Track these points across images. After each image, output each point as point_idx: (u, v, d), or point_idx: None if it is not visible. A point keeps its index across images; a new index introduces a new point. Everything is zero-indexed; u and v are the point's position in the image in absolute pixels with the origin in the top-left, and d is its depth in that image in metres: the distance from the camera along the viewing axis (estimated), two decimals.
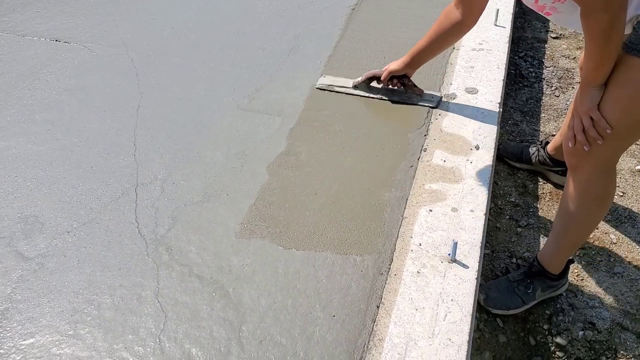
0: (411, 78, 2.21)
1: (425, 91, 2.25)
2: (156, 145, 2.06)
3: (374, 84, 2.28)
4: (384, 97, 2.25)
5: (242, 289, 1.55)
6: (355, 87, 2.30)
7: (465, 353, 1.37)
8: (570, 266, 2.01)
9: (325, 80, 2.37)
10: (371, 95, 2.27)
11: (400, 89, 2.25)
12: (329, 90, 2.31)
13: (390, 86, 2.25)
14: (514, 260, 2.09)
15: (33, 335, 1.45)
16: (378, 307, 1.49)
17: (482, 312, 1.91)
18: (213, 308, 1.50)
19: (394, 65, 2.17)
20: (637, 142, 2.63)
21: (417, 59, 2.12)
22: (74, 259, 1.64)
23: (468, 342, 1.40)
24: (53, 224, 1.75)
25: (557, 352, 1.90)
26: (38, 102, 2.28)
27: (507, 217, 2.26)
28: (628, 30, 1.45)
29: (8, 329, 1.46)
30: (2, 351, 1.41)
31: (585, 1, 1.35)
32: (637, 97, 1.44)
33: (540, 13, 1.66)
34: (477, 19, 1.95)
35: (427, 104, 2.20)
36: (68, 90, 2.35)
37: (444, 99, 2.23)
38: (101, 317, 1.49)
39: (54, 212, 1.79)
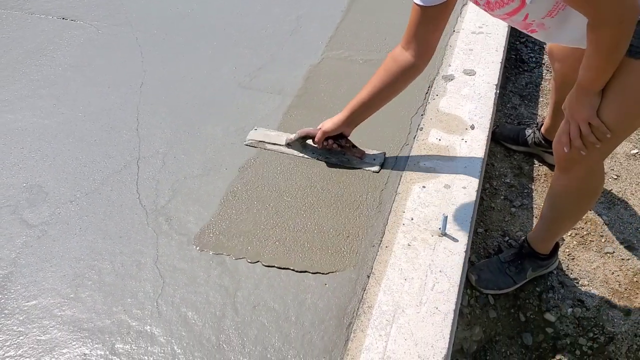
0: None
1: (368, 151, 1.95)
2: (158, 120, 2.11)
3: (311, 142, 1.97)
4: (320, 158, 1.95)
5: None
6: (288, 145, 1.98)
7: (451, 321, 1.42)
8: (561, 245, 2.05)
9: (256, 135, 2.04)
10: (305, 155, 1.96)
11: (337, 150, 1.93)
12: (260, 148, 2.00)
13: (326, 147, 1.93)
14: (507, 239, 2.13)
15: (36, 297, 1.51)
16: (368, 276, 1.54)
17: (473, 288, 1.96)
18: (210, 275, 1.56)
19: (329, 124, 1.87)
20: None
21: (355, 116, 1.84)
22: (77, 227, 1.70)
23: (454, 311, 1.45)
24: (57, 194, 1.81)
25: (546, 328, 1.94)
26: (44, 78, 2.34)
27: (502, 197, 2.30)
28: None
29: (12, 291, 1.52)
30: (6, 311, 1.47)
31: (598, 14, 1.27)
32: (638, 101, 1.41)
33: (524, 32, 1.59)
34: (429, 60, 1.75)
35: (369, 168, 1.90)
36: (74, 67, 2.40)
37: (441, 80, 2.26)
38: (101, 281, 1.55)
39: (57, 182, 1.85)
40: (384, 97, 1.82)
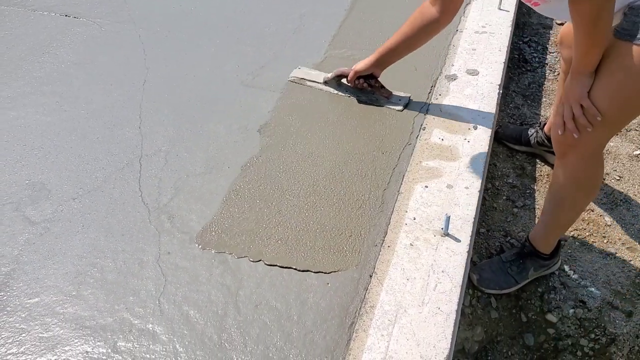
0: (409, 59, 2.17)
1: (395, 93, 2.18)
2: (161, 118, 2.11)
3: (345, 81, 2.22)
4: (352, 96, 2.19)
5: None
6: (325, 83, 2.23)
7: (454, 321, 1.42)
8: (563, 245, 2.05)
9: (298, 73, 2.32)
10: (339, 92, 2.21)
11: (367, 89, 2.17)
12: (301, 84, 2.27)
13: (357, 86, 2.18)
14: (509, 239, 2.13)
15: (38, 294, 1.51)
16: (371, 276, 1.54)
17: (475, 288, 1.96)
18: (212, 273, 1.55)
19: (361, 65, 2.10)
20: (637, 129, 2.65)
21: (384, 59, 2.06)
22: (79, 224, 1.70)
23: (456, 311, 1.45)
24: (59, 191, 1.81)
25: (547, 329, 1.94)
26: (47, 75, 2.33)
27: (504, 197, 2.30)
28: (617, 20, 1.44)
29: (15, 288, 1.52)
30: (9, 309, 1.47)
31: None
32: (628, 84, 1.44)
33: (528, 4, 1.64)
34: (453, 18, 1.92)
35: (394, 107, 2.13)
36: (76, 64, 2.40)
37: (444, 80, 2.26)
38: (104, 279, 1.55)
39: (60, 179, 1.85)
40: (408, 46, 2.02)
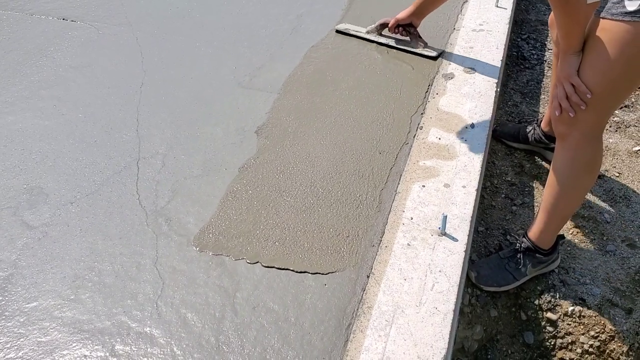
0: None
1: (430, 45, 2.44)
2: (158, 121, 2.11)
3: (385, 32, 2.51)
4: (391, 44, 2.48)
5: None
6: (368, 32, 2.53)
7: (451, 321, 1.42)
8: (562, 243, 2.04)
9: (343, 26, 2.62)
10: (380, 40, 2.50)
11: (406, 37, 2.44)
12: (345, 33, 2.57)
13: (397, 34, 2.45)
14: (508, 237, 2.12)
15: (36, 299, 1.51)
16: (368, 276, 1.54)
17: (475, 287, 1.96)
18: (209, 276, 1.56)
19: (402, 14, 2.38)
20: (636, 124, 2.65)
21: (422, 8, 2.32)
22: (77, 228, 1.70)
23: (454, 311, 1.45)
24: (57, 195, 1.81)
25: (547, 327, 1.94)
26: (45, 79, 2.34)
27: (503, 195, 2.29)
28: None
29: (13, 292, 1.53)
30: (7, 313, 1.48)
31: None
32: (610, 58, 1.48)
33: None
34: None
35: (429, 53, 2.39)
36: (74, 68, 2.40)
37: (441, 79, 2.26)
38: (101, 283, 1.55)
39: (58, 183, 1.85)
40: None
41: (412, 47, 2.44)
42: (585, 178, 1.73)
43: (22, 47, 2.54)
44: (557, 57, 2.14)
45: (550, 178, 1.77)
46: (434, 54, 2.40)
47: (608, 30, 1.46)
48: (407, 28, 2.41)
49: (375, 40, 2.51)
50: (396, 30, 2.44)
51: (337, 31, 2.59)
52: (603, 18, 1.46)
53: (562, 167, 1.71)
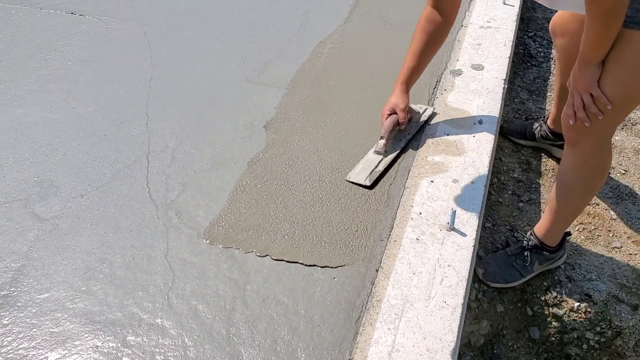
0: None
1: (412, 106, 2.03)
2: (167, 115, 2.12)
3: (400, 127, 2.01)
4: (407, 145, 2.00)
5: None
6: (385, 151, 1.94)
7: (460, 315, 1.43)
8: (569, 239, 2.05)
9: (357, 177, 1.87)
10: (400, 151, 1.97)
11: (400, 128, 1.99)
12: (373, 177, 1.87)
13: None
14: (515, 233, 2.13)
15: (48, 290, 1.52)
16: (377, 270, 1.54)
17: (481, 282, 1.97)
18: (219, 268, 1.57)
19: (400, 99, 1.95)
20: None
21: (411, 81, 1.97)
22: (88, 220, 1.72)
23: (463, 305, 1.46)
24: (67, 188, 1.83)
25: (553, 322, 1.95)
26: (54, 73, 2.35)
27: (510, 192, 2.30)
28: None
29: (25, 284, 1.54)
30: (19, 304, 1.49)
31: None
32: (636, 71, 1.45)
33: None
34: (458, 11, 1.90)
35: (424, 118, 2.06)
36: (83, 62, 2.42)
37: (449, 75, 2.26)
38: (113, 274, 1.56)
39: (68, 176, 1.87)
40: (428, 56, 1.95)
41: (413, 130, 2.02)
42: (595, 181, 1.73)
43: (31, 40, 2.55)
44: (561, 62, 2.14)
45: (559, 180, 1.77)
46: (428, 111, 2.07)
47: (633, 41, 1.41)
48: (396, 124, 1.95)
49: (396, 154, 1.96)
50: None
51: (353, 182, 1.86)
52: (630, 28, 1.41)
53: (571, 171, 1.70)
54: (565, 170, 1.73)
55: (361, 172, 1.88)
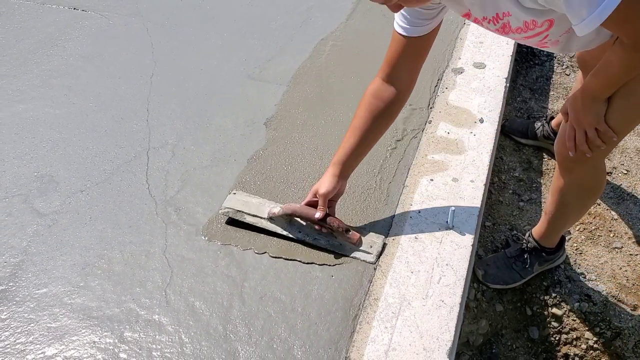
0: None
1: (365, 237, 1.62)
2: (168, 111, 2.12)
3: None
4: (307, 239, 1.61)
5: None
6: (271, 219, 1.64)
7: (457, 314, 1.43)
8: (568, 240, 2.05)
9: (233, 204, 1.68)
10: (290, 235, 1.61)
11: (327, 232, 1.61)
12: (238, 219, 1.66)
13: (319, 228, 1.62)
14: (515, 233, 2.13)
15: (46, 285, 1.53)
16: (375, 269, 1.54)
17: (480, 282, 1.96)
18: (217, 265, 1.57)
19: (325, 185, 1.58)
20: None
21: (348, 166, 1.62)
22: (87, 216, 1.72)
23: (460, 304, 1.46)
24: (67, 183, 1.83)
25: (552, 322, 1.95)
26: (55, 68, 2.35)
27: (510, 191, 2.30)
28: None
29: (23, 279, 1.54)
30: (17, 299, 1.49)
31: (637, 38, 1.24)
32: None
33: (537, 47, 1.60)
34: (413, 88, 1.62)
35: (363, 258, 1.57)
36: (85, 57, 2.42)
37: (451, 73, 2.26)
38: (111, 270, 1.56)
39: (68, 172, 1.87)
40: (373, 139, 1.64)
41: (339, 248, 1.59)
42: (591, 198, 1.73)
43: (33, 36, 2.55)
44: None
45: (553, 197, 1.73)
46: (370, 257, 1.56)
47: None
48: (326, 224, 1.57)
49: (282, 233, 1.62)
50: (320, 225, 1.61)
51: (224, 214, 1.68)
52: None
53: (567, 191, 1.68)
54: (559, 190, 1.69)
55: (234, 203, 1.68)
